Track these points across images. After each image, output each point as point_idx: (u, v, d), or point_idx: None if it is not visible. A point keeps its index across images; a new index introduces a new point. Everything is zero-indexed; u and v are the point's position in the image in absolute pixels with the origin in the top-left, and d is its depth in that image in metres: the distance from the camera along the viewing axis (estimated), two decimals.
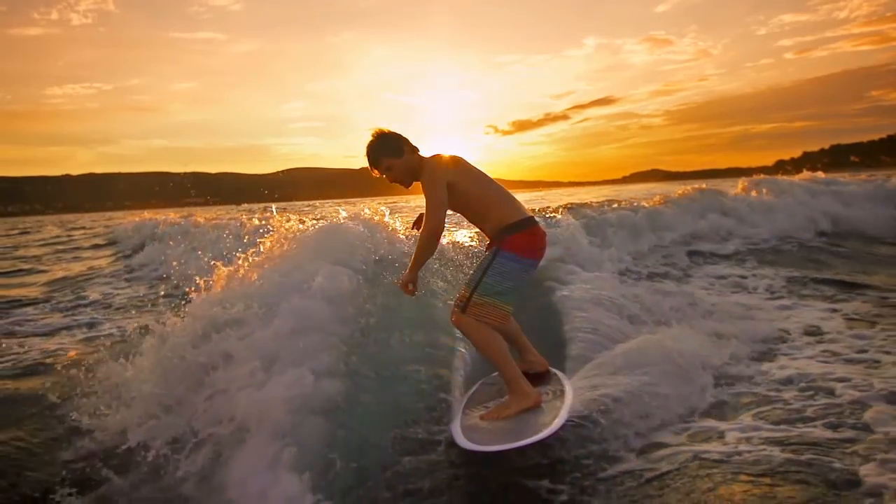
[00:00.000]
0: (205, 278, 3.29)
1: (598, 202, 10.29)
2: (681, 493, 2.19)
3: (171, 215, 16.35)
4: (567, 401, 2.66)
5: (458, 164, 2.87)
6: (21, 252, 16.82)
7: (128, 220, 21.06)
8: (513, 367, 2.71)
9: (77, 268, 11.59)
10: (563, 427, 2.49)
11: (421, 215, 3.15)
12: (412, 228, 3.21)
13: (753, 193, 11.16)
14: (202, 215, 16.02)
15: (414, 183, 2.92)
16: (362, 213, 4.16)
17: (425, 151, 2.93)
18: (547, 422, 2.48)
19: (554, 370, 3.12)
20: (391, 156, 2.84)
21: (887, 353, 3.67)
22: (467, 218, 2.94)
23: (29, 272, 11.30)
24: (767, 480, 2.19)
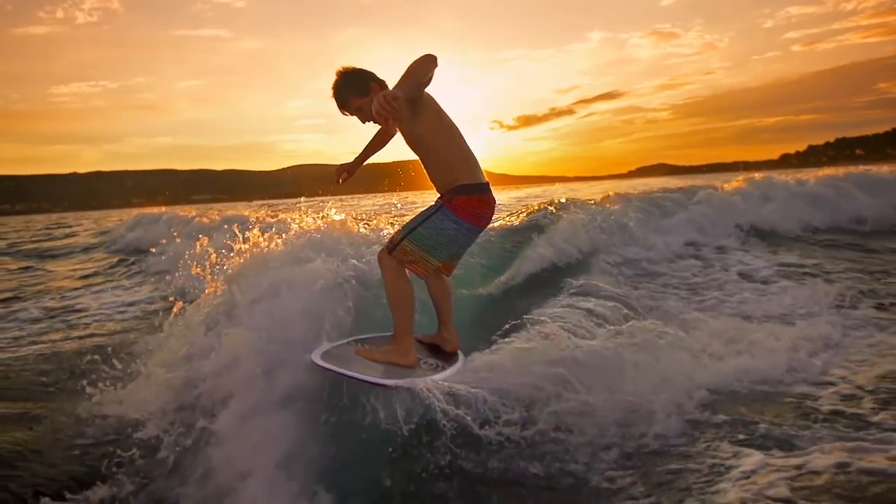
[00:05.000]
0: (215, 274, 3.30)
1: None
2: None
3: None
4: (434, 376, 2.60)
5: (432, 102, 2.70)
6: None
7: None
8: (408, 324, 2.68)
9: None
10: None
11: (342, 165, 3.09)
12: (337, 178, 3.08)
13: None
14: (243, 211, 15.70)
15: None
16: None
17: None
18: (392, 376, 2.48)
19: (461, 355, 3.00)
20: (358, 95, 2.72)
21: None
22: (420, 159, 2.81)
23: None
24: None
